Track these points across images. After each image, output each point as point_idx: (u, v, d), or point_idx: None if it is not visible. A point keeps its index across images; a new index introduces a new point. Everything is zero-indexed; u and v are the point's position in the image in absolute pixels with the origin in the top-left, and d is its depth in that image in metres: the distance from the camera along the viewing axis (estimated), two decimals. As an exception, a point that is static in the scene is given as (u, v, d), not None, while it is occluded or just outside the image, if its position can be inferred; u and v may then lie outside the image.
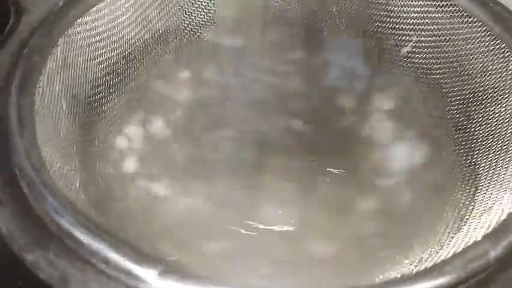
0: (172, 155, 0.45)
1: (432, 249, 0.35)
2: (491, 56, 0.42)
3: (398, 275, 0.32)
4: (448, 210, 0.39)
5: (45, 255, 0.29)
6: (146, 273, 0.27)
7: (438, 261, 0.30)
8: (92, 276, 0.28)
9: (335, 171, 0.43)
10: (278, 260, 0.38)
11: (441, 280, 0.26)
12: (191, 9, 0.52)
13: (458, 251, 0.30)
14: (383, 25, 0.51)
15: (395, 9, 0.49)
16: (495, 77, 0.42)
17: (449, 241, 0.35)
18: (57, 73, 0.41)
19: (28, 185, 0.32)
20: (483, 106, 0.42)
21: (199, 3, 0.53)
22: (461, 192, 0.40)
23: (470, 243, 0.30)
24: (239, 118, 0.48)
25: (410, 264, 0.35)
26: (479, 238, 0.30)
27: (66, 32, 0.42)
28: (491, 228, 0.31)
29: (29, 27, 0.45)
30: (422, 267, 0.30)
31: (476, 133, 0.42)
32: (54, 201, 0.30)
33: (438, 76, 0.47)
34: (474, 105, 0.43)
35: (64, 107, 0.41)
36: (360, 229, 0.40)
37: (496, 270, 0.28)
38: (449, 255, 0.30)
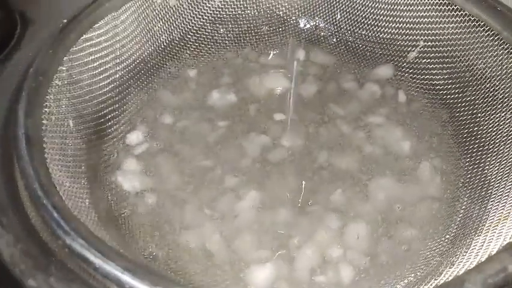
0: (179, 168, 0.44)
1: (447, 262, 0.35)
2: (500, 60, 0.42)
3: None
4: (460, 222, 0.38)
5: (47, 280, 0.29)
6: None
7: (456, 276, 0.29)
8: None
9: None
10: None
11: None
12: (194, 22, 0.52)
13: (475, 264, 0.30)
14: (390, 30, 0.50)
15: (402, 14, 0.48)
16: (505, 82, 0.41)
17: (464, 254, 0.34)
18: (63, 92, 0.41)
19: (37, 207, 0.31)
20: (493, 112, 0.42)
21: (202, 17, 0.52)
22: (474, 203, 0.39)
23: (487, 257, 0.30)
24: (245, 129, 0.47)
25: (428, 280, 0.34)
26: (495, 250, 0.29)
27: (71, 50, 0.41)
28: (508, 239, 0.31)
29: (35, 41, 0.45)
30: (441, 282, 0.29)
31: (487, 140, 0.41)
32: (66, 224, 0.29)
33: (446, 82, 0.47)
34: (484, 112, 0.43)
35: (71, 125, 0.41)
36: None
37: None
38: (467, 268, 0.30)
